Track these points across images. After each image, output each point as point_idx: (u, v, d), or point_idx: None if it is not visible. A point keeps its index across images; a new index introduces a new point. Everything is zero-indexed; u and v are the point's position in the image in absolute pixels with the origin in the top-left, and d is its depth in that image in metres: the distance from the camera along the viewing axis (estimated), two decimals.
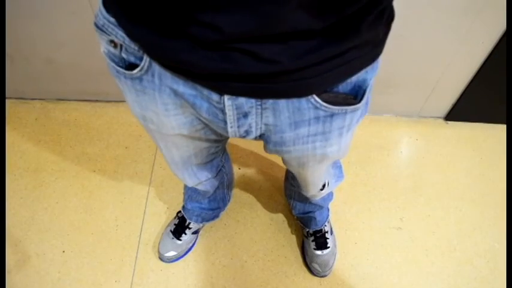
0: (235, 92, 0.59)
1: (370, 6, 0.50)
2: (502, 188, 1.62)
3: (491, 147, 1.74)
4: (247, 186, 1.60)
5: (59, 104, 1.82)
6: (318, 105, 0.61)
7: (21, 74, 1.69)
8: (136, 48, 0.59)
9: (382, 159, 1.69)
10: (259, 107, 0.61)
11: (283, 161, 0.85)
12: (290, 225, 1.50)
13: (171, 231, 1.42)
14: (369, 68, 0.61)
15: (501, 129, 1.79)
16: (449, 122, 1.81)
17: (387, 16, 0.57)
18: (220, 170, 1.19)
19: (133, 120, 1.76)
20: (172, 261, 1.42)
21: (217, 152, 1.03)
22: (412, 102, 1.74)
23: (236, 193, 1.57)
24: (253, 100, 0.60)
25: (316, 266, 1.38)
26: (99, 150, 1.68)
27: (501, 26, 1.35)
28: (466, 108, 1.73)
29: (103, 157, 1.66)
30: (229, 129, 0.67)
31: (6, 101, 1.82)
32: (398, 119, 1.81)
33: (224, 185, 1.32)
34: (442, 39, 1.41)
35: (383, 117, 1.81)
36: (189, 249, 1.44)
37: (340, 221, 1.52)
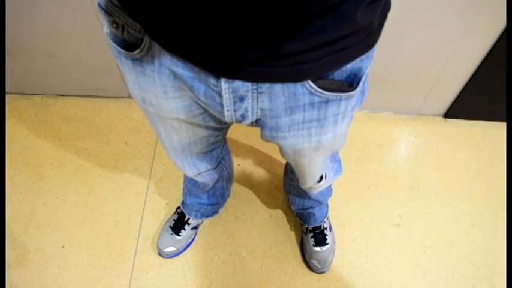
0: (232, 75, 0.60)
1: None
2: (500, 186, 1.63)
3: (490, 145, 1.74)
4: (247, 182, 1.60)
5: (59, 100, 1.82)
6: (312, 90, 0.62)
7: (21, 69, 1.69)
8: (137, 29, 0.60)
9: (381, 157, 1.69)
10: (255, 91, 0.62)
11: (280, 150, 0.86)
12: (289, 222, 1.51)
13: (170, 226, 1.43)
14: (364, 57, 0.62)
15: (500, 127, 1.79)
16: (448, 119, 1.81)
17: (383, 5, 0.58)
18: (220, 162, 1.20)
19: (133, 116, 1.77)
20: (171, 257, 1.42)
21: (217, 142, 1.04)
22: (411, 99, 1.74)
23: (235, 189, 1.57)
24: (249, 84, 0.61)
25: (315, 262, 1.38)
26: (98, 146, 1.68)
27: (500, 24, 1.35)
28: (465, 106, 1.73)
29: (103, 153, 1.66)
30: (226, 113, 0.68)
31: (7, 96, 1.82)
32: (397, 117, 1.81)
33: (224, 179, 1.32)
34: (442, 36, 1.42)
35: (382, 114, 1.81)
36: (188, 245, 1.44)
37: (339, 217, 1.52)
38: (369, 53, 0.62)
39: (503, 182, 1.63)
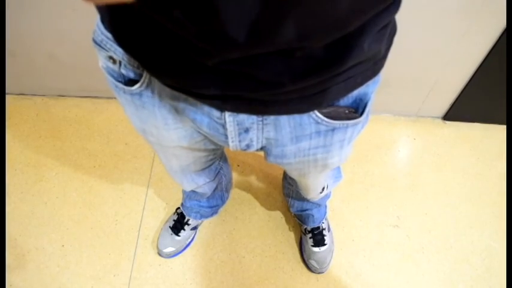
0: (236, 109, 0.58)
1: (372, 24, 0.48)
2: (498, 188, 1.63)
3: (488, 147, 1.75)
4: (246, 183, 1.61)
5: (59, 100, 1.83)
6: (319, 120, 0.61)
7: (22, 70, 1.70)
8: (135, 65, 0.59)
9: (379, 158, 1.70)
10: (260, 122, 0.61)
11: (285, 169, 0.86)
12: (288, 222, 1.52)
13: (170, 227, 1.43)
14: (370, 82, 0.61)
15: (498, 130, 1.80)
16: (447, 121, 1.82)
17: (390, 31, 0.56)
18: (219, 172, 1.20)
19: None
20: (171, 257, 1.43)
21: (215, 158, 1.04)
22: (410, 101, 1.75)
23: (235, 190, 1.58)
24: (254, 116, 0.60)
25: (313, 262, 1.39)
26: (99, 146, 1.69)
27: (499, 26, 1.36)
28: (464, 108, 1.74)
29: (103, 153, 1.67)
30: (231, 143, 0.66)
31: (8, 96, 1.83)
32: (396, 118, 1.82)
33: (222, 185, 1.33)
34: (441, 39, 1.42)
35: (381, 116, 1.82)
36: (188, 245, 1.45)
37: (338, 218, 1.53)
38: (375, 78, 0.61)
39: (501, 183, 1.64)
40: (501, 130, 1.80)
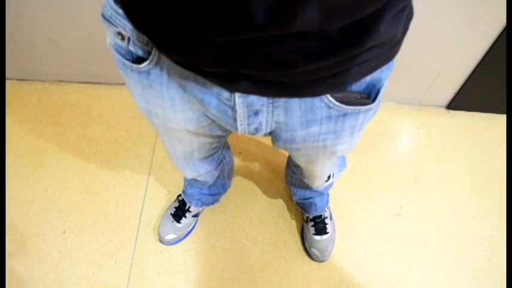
0: (247, 90, 0.57)
1: (389, 6, 0.47)
2: (501, 177, 1.62)
3: (491, 136, 1.74)
4: (248, 170, 1.60)
5: (60, 86, 1.82)
6: (331, 104, 0.60)
7: (23, 55, 1.69)
8: (145, 41, 0.57)
9: (382, 147, 1.69)
10: (270, 105, 0.60)
11: (292, 156, 0.85)
12: (290, 210, 1.51)
13: (171, 214, 1.43)
14: (384, 67, 0.59)
15: (502, 119, 1.79)
16: (450, 111, 1.81)
17: (406, 15, 0.55)
18: (221, 161, 1.20)
19: (135, 103, 1.76)
20: (172, 244, 1.43)
21: (219, 146, 1.03)
22: (414, 90, 1.73)
23: (237, 178, 1.57)
24: (264, 98, 0.59)
25: (315, 251, 1.39)
26: (100, 132, 1.68)
27: (505, 16, 1.34)
28: (467, 98, 1.72)
29: (104, 139, 1.66)
30: (239, 127, 0.65)
31: (8, 81, 1.81)
32: (399, 107, 1.81)
33: (224, 174, 1.32)
34: (445, 28, 1.41)
35: (385, 104, 1.80)
36: (189, 232, 1.44)
37: (340, 207, 1.52)
38: (390, 63, 0.60)
39: (504, 173, 1.63)
40: (505, 120, 1.79)
